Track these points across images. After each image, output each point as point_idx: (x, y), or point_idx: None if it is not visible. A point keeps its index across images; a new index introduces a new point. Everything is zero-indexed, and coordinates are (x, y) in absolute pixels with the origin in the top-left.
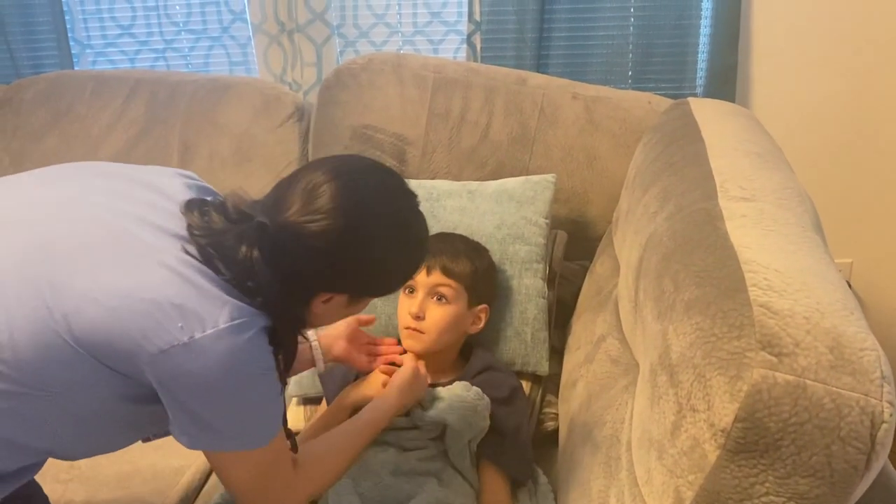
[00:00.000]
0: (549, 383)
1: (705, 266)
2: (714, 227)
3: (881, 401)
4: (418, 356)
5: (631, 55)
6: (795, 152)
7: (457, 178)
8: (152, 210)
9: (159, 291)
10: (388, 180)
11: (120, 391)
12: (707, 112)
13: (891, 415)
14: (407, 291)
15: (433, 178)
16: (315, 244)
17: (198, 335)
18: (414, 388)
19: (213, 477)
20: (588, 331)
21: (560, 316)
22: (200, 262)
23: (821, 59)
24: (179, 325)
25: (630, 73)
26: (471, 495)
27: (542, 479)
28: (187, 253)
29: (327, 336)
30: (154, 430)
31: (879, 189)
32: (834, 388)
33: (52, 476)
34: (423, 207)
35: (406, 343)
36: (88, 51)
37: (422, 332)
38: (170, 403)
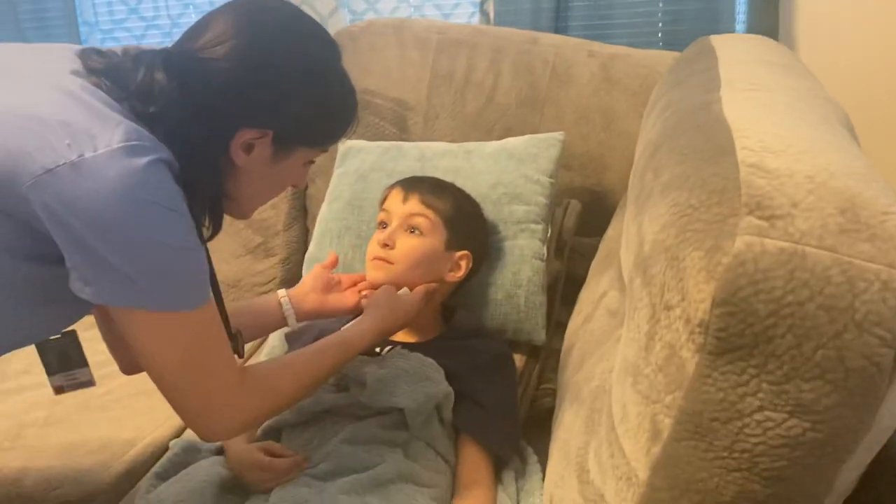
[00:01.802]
0: (553, 360)
1: (689, 144)
2: (708, 110)
3: None
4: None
5: (661, 24)
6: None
7: None
8: (42, 52)
9: (46, 109)
10: (293, 10)
11: (6, 238)
12: (729, 40)
13: None
14: (381, 227)
15: None
16: (220, 67)
17: (88, 154)
18: (394, 309)
19: (166, 454)
20: (591, 292)
21: (573, 293)
22: (96, 86)
23: (877, 21)
24: (67, 142)
25: (660, 43)
26: (444, 471)
27: (532, 457)
28: (82, 79)
29: (297, 293)
30: (63, 308)
31: None
32: (845, 257)
33: None
34: (414, 168)
35: (371, 275)
36: (97, 33)
37: (390, 262)
38: (62, 239)
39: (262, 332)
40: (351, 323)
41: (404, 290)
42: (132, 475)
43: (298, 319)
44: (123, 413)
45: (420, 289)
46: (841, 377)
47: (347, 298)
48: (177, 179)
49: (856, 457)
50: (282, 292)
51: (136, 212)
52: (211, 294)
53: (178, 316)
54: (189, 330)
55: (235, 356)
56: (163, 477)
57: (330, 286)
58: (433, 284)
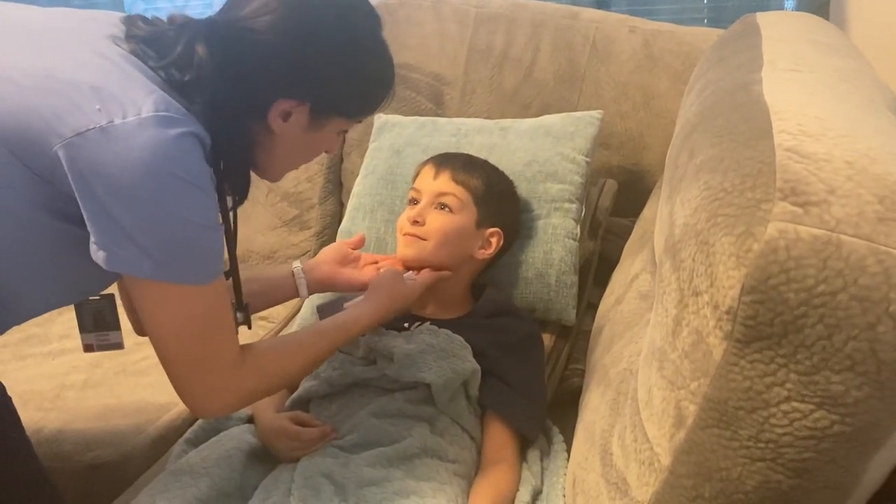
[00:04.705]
0: (582, 341)
1: (726, 126)
2: (748, 90)
3: None
4: (417, 269)
5: (706, 0)
6: None
7: None
8: (85, 17)
9: (80, 72)
10: None
11: (38, 198)
12: (775, 17)
13: None
14: (411, 203)
15: None
16: (262, 39)
17: (117, 120)
18: (394, 296)
19: (198, 421)
20: (624, 274)
21: (605, 274)
22: (134, 53)
23: None
24: (97, 107)
25: (705, 20)
26: (469, 447)
27: (558, 437)
28: (119, 46)
29: (311, 263)
30: (94, 269)
31: None
32: (882, 247)
33: (36, 405)
34: (449, 143)
35: (401, 251)
36: (141, 1)
37: (421, 239)
38: (84, 202)
39: (273, 303)
40: (352, 303)
41: (409, 274)
42: (165, 440)
43: (310, 289)
44: (159, 378)
45: (426, 275)
46: (873, 370)
47: (362, 273)
48: (206, 155)
49: (885, 450)
50: (296, 262)
51: (157, 183)
52: (222, 272)
53: (187, 289)
54: (196, 305)
55: (244, 328)
56: (194, 443)
57: (347, 260)
58: (446, 272)
